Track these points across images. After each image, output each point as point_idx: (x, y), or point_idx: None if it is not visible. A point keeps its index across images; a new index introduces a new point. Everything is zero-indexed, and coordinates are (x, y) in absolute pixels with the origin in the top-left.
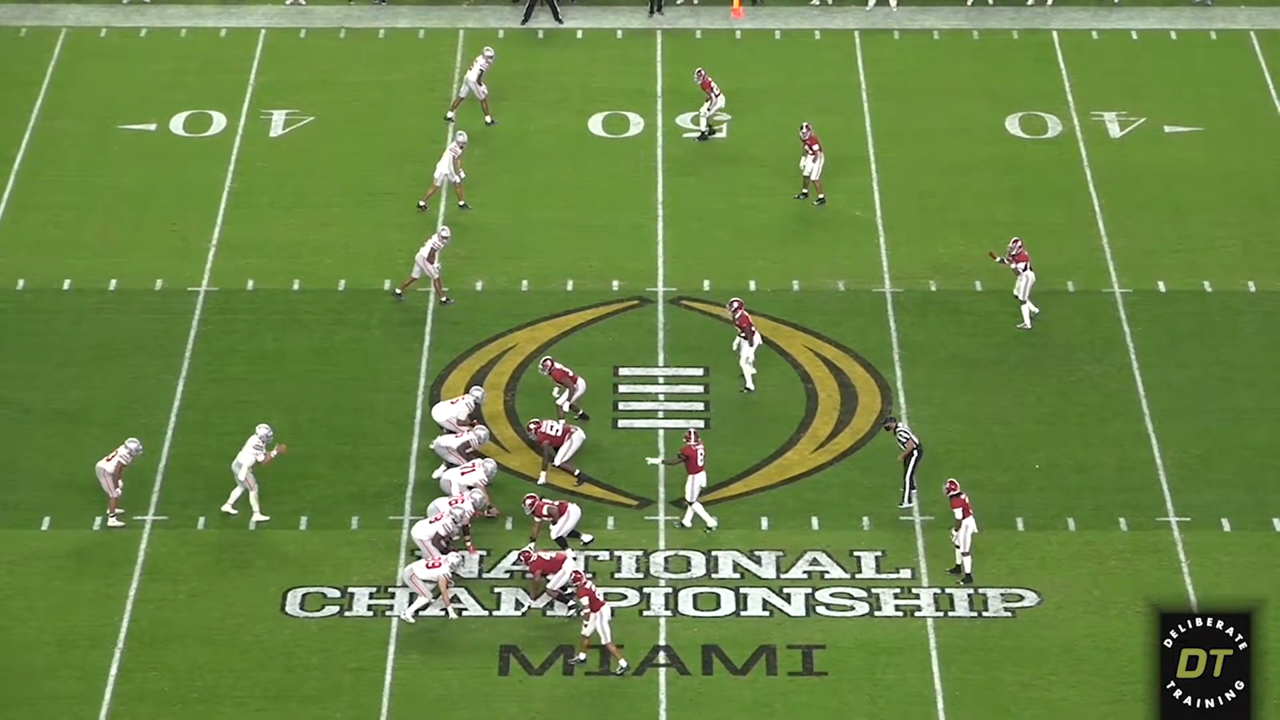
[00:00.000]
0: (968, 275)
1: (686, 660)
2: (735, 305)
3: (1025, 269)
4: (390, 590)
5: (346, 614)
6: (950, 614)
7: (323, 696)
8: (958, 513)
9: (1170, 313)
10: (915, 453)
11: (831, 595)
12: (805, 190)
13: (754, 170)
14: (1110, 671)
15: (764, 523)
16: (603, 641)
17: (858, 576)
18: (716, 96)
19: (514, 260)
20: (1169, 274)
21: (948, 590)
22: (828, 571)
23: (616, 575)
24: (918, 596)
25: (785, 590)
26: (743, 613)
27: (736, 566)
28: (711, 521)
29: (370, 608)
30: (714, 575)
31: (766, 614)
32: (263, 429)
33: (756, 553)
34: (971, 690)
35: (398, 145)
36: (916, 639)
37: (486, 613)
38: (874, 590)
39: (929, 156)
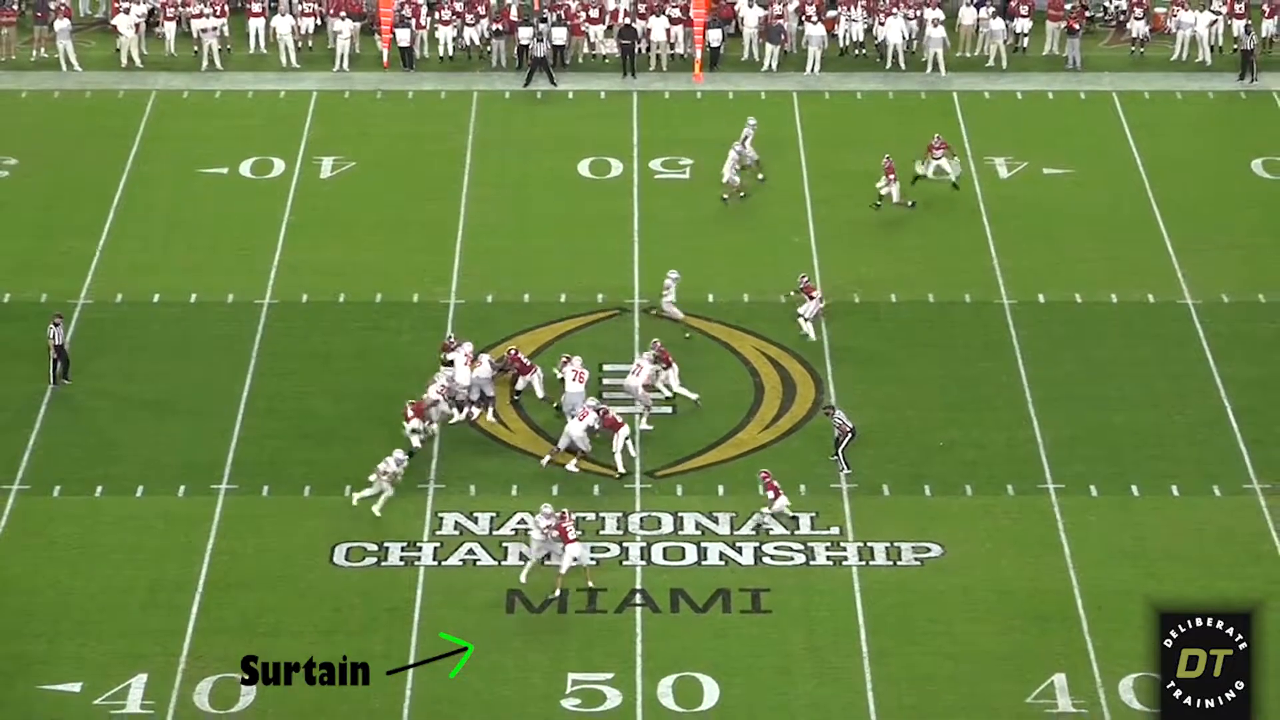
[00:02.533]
0: (885, 289)
1: (658, 601)
2: (656, 344)
3: (812, 298)
4: (418, 545)
5: (382, 564)
6: (871, 563)
7: (364, 631)
8: (770, 494)
9: (1048, 320)
10: (851, 434)
11: (775, 548)
12: (879, 202)
13: (712, 204)
14: (1000, 609)
15: (720, 490)
16: (583, 565)
17: (796, 533)
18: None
19: (518, 277)
20: (1047, 288)
21: (869, 544)
22: (772, 529)
23: (601, 532)
24: (845, 549)
25: (738, 544)
26: (703, 562)
27: (698, 525)
28: (693, 395)
29: (402, 559)
30: (680, 532)
31: (723, 563)
32: (399, 454)
33: (714, 514)
34: (889, 624)
35: (422, 185)
36: (844, 583)
37: (496, 562)
38: (809, 544)
39: (854, 193)
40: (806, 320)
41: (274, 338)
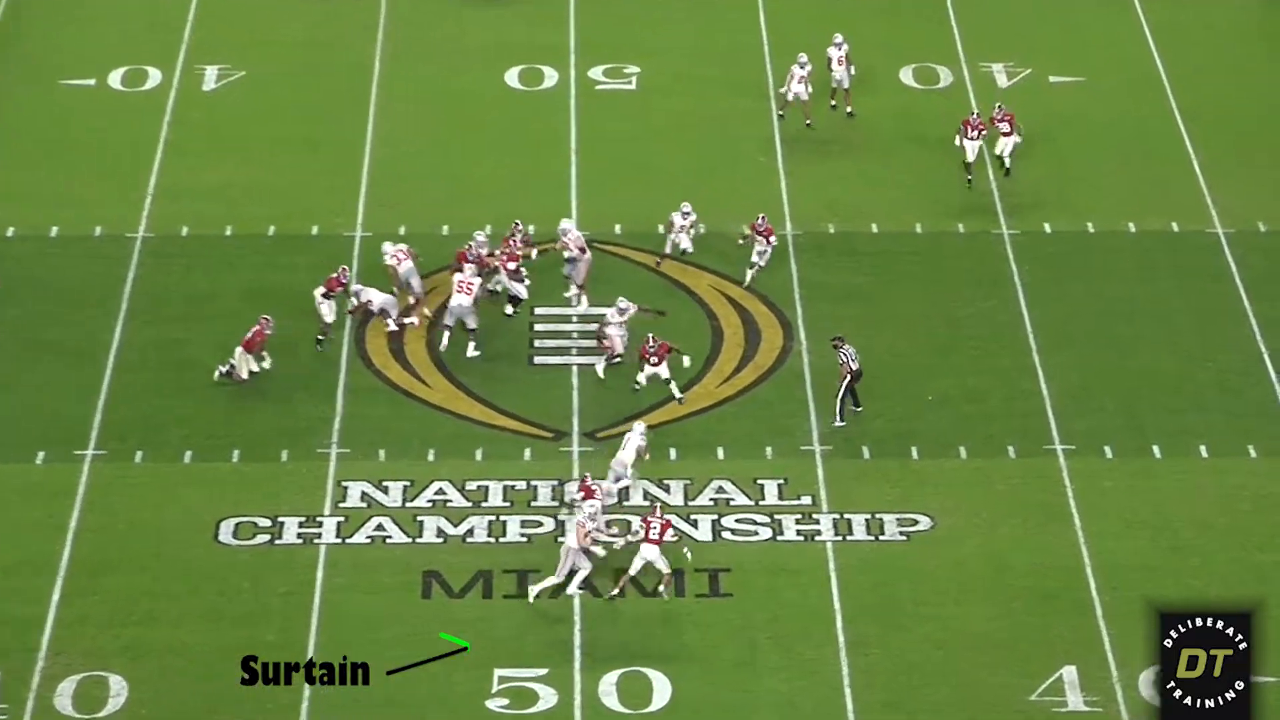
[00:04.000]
0: (864, 218)
1: (599, 584)
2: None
3: (768, 241)
4: (318, 519)
5: (276, 542)
6: (849, 538)
7: (253, 619)
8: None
9: (1055, 252)
10: (852, 376)
11: (736, 521)
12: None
13: (663, 120)
14: (997, 589)
15: (672, 453)
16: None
17: (761, 503)
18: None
19: (435, 206)
20: (1053, 216)
21: (846, 515)
22: (733, 499)
23: (533, 504)
24: (818, 522)
25: (693, 516)
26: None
27: (646, 495)
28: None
29: (300, 535)
30: (626, 503)
31: (675, 539)
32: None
33: (665, 481)
34: (868, 609)
35: (322, 100)
36: (817, 562)
37: (410, 539)
38: (776, 516)
39: (828, 107)
40: (757, 268)
41: (149, 277)
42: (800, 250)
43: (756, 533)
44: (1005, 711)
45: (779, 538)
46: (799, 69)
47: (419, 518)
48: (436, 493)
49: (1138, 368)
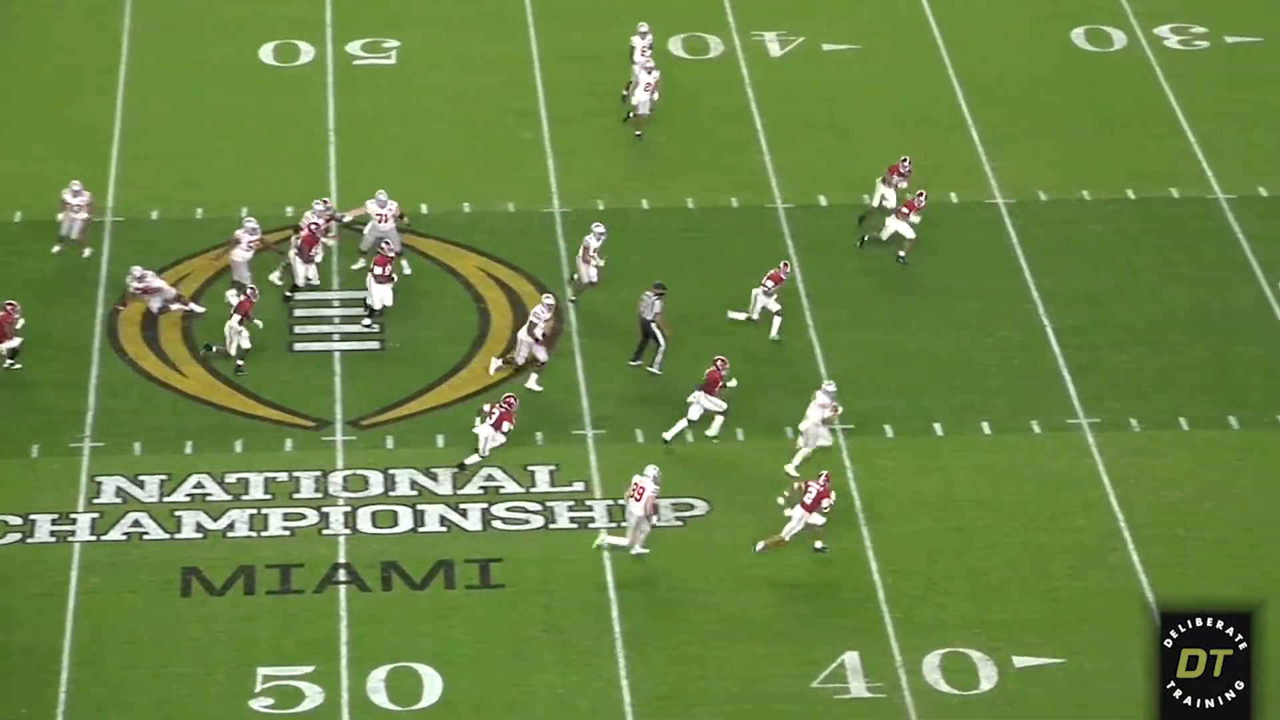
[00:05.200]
0: (635, 194)
1: (366, 577)
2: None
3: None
4: (71, 516)
5: (28, 540)
6: (624, 524)
7: (4, 622)
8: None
9: (830, 226)
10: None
11: (507, 509)
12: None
13: (424, 96)
14: (779, 576)
15: (440, 440)
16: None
17: (532, 490)
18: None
19: (188, 189)
20: (829, 188)
21: (620, 502)
22: (503, 486)
23: (295, 495)
24: (591, 509)
25: (462, 506)
26: (420, 529)
27: (413, 484)
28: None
29: (53, 534)
30: (391, 493)
31: (444, 529)
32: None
33: (433, 470)
34: (644, 598)
35: (67, 77)
36: (589, 550)
37: (168, 535)
38: (548, 503)
39: (595, 79)
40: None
41: None
42: (569, 229)
43: (528, 521)
44: (787, 700)
45: (551, 526)
46: (640, 39)
47: (177, 513)
48: (195, 486)
49: (916, 345)
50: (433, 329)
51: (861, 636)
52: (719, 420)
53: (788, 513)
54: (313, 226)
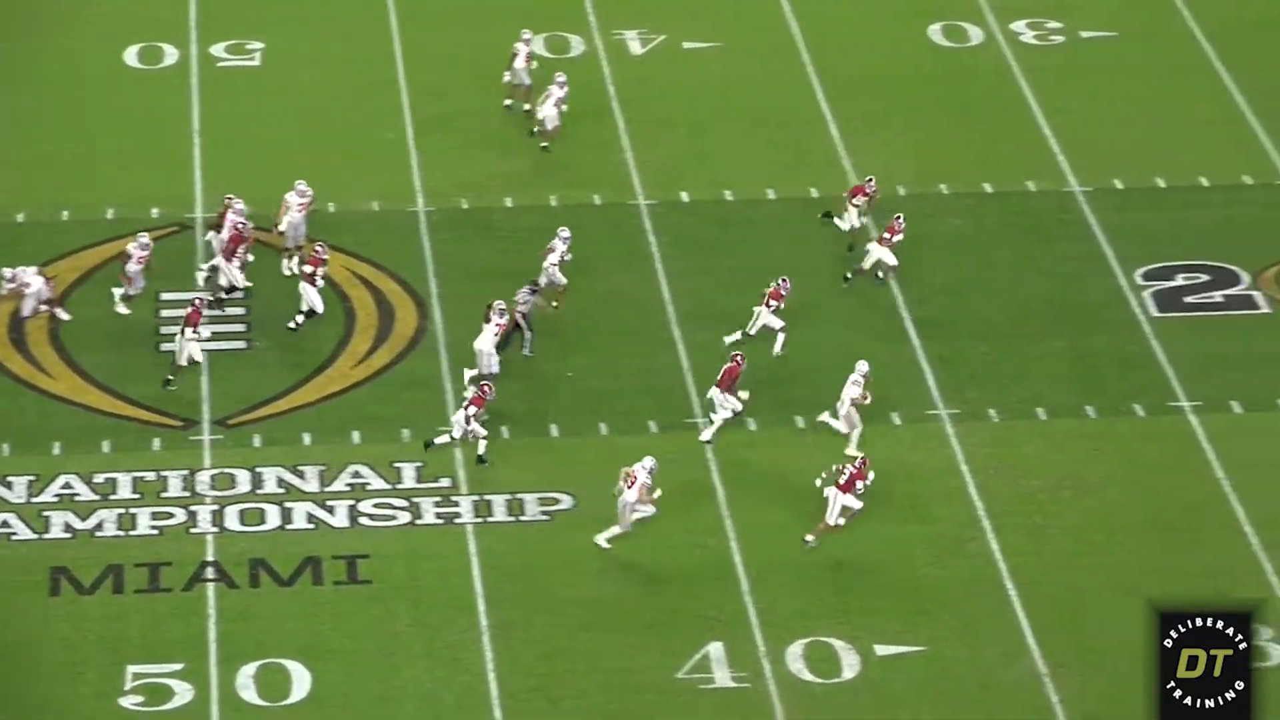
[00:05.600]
0: (499, 193)
1: (234, 574)
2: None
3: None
4: None
5: None
6: (489, 520)
7: None
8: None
9: (693, 222)
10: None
11: (374, 506)
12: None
13: (288, 96)
14: (644, 569)
15: (306, 438)
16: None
17: (399, 487)
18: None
19: (53, 190)
20: (691, 185)
21: (486, 497)
22: (369, 483)
23: (163, 495)
24: (457, 504)
25: (329, 503)
26: (288, 526)
27: (281, 482)
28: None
29: None
30: (259, 491)
31: (312, 527)
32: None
33: (300, 467)
34: (511, 593)
35: None
36: (457, 546)
37: (36, 535)
38: (415, 500)
39: (457, 78)
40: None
41: None
42: (434, 227)
43: (395, 517)
44: (653, 692)
45: (418, 522)
46: (523, 46)
47: (45, 513)
48: (63, 487)
49: (786, 337)
50: (300, 327)
51: (725, 627)
52: (727, 414)
53: (826, 492)
54: (239, 226)
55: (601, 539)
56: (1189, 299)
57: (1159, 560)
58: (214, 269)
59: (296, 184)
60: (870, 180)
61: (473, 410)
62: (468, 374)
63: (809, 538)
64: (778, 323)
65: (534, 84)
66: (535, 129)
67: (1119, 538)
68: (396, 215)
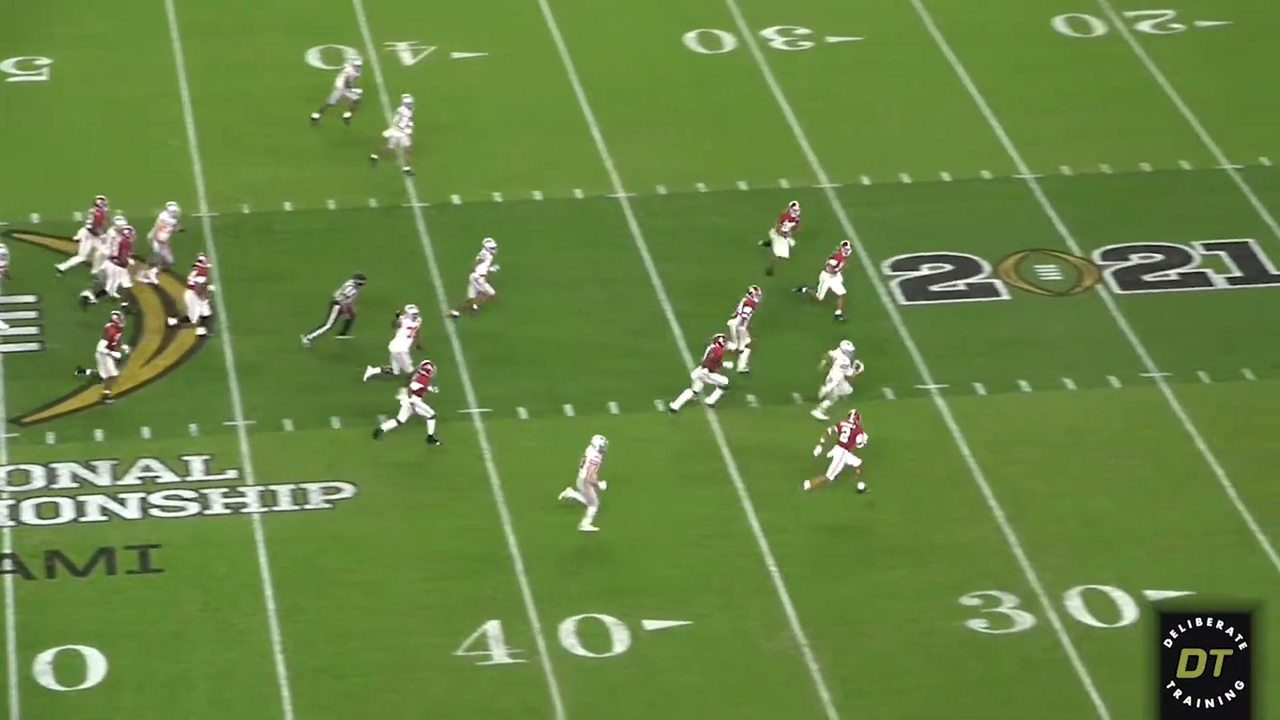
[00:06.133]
0: (278, 197)
1: (31, 566)
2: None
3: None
4: None
5: None
6: (274, 509)
7: None
8: None
9: (464, 223)
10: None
11: (164, 498)
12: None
13: (77, 109)
14: (423, 553)
15: (99, 435)
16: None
17: (188, 479)
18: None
19: None
20: (461, 188)
21: (271, 487)
22: (160, 476)
23: None
24: (244, 495)
25: (121, 495)
26: (82, 519)
27: (75, 476)
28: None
29: None
30: (53, 486)
31: (105, 519)
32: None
33: (93, 463)
34: (298, 577)
35: None
36: (244, 534)
37: None
38: (203, 491)
39: (238, 89)
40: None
41: None
42: (217, 232)
43: (184, 508)
44: (434, 670)
45: (207, 513)
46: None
47: None
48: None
49: (547, 331)
50: (94, 333)
51: (501, 606)
52: (718, 393)
53: (829, 455)
54: (126, 232)
55: (570, 494)
56: (934, 288)
57: (911, 535)
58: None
59: (168, 205)
60: (794, 205)
61: (416, 387)
62: (368, 372)
63: (806, 484)
64: (746, 338)
65: (349, 101)
66: (376, 154)
67: (873, 514)
68: (183, 221)
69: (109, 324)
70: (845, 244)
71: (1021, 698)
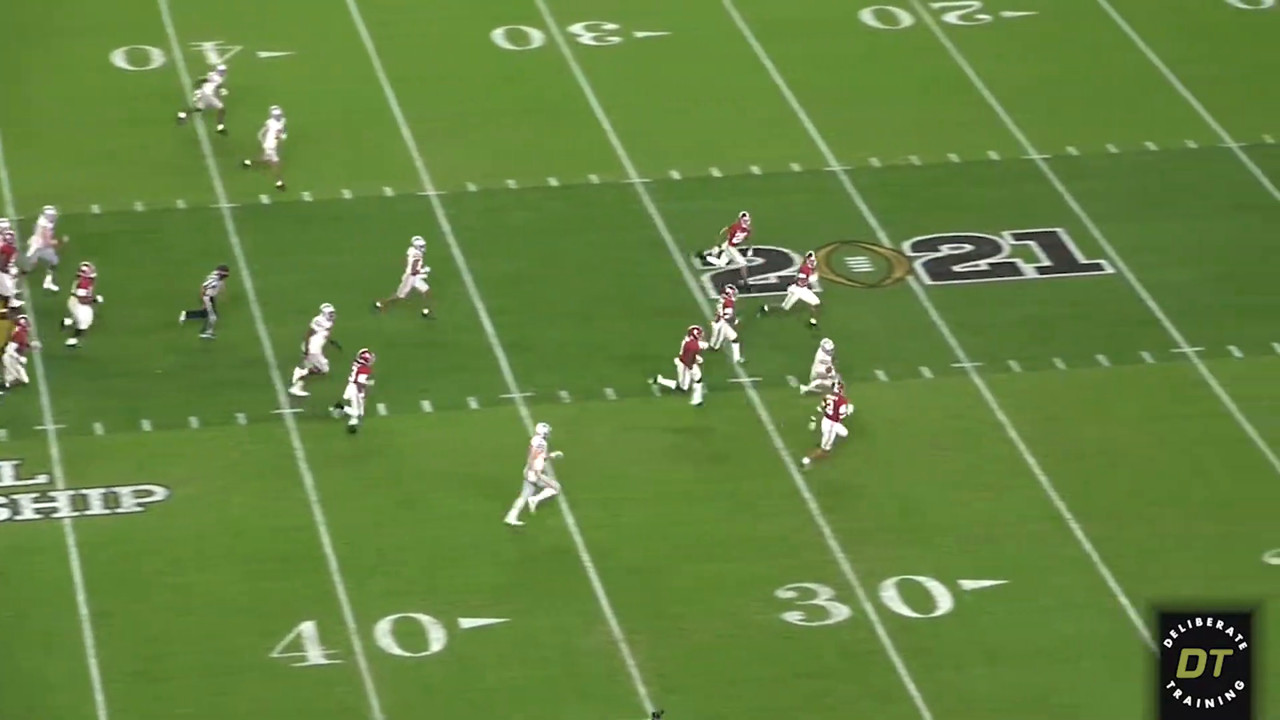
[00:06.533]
0: (86, 199)
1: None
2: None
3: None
4: None
5: None
6: (86, 513)
7: None
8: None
9: (274, 223)
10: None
11: None
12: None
13: None
14: (237, 553)
15: None
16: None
17: None
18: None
19: None
20: (269, 188)
21: (82, 491)
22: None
23: None
24: (55, 499)
25: None
26: None
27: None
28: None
29: None
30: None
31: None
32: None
33: None
34: (110, 581)
35: None
36: (56, 538)
37: None
38: (13, 496)
39: (40, 92)
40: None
41: None
42: (24, 234)
43: None
44: (249, 670)
45: (17, 518)
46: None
47: None
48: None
49: (357, 328)
50: None
51: (317, 607)
52: (699, 389)
53: (823, 426)
54: (8, 236)
55: (532, 503)
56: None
57: (727, 528)
58: None
59: (45, 209)
60: (744, 215)
61: (362, 379)
62: (296, 373)
63: (805, 460)
64: (731, 333)
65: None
66: (249, 160)
67: (688, 508)
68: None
69: (16, 329)
70: (810, 255)
71: (839, 690)
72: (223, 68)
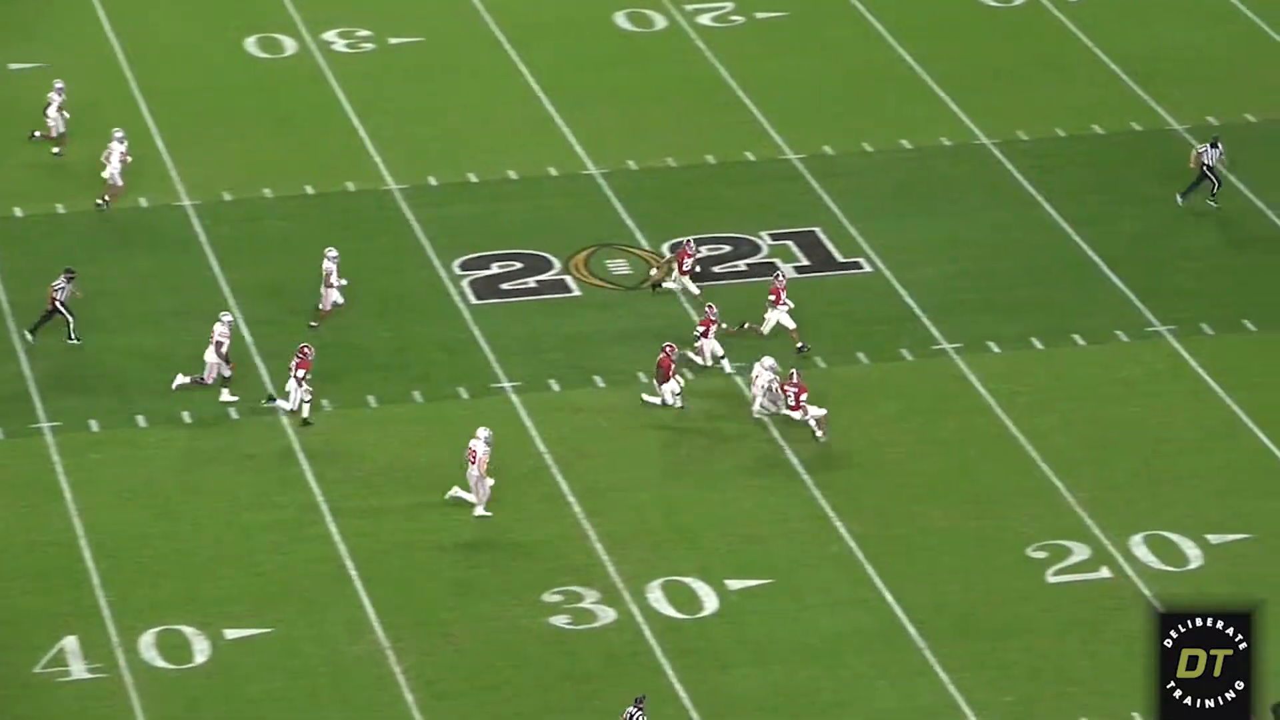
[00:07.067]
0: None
1: None
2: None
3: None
4: None
5: None
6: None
7: None
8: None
9: (25, 236)
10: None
11: None
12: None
13: None
14: (41, 570)
15: None
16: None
17: None
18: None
19: None
20: (22, 200)
21: None
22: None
23: None
24: None
25: None
26: None
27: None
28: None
29: None
30: None
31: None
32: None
33: None
34: None
35: None
36: None
37: None
38: None
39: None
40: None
41: None
42: None
43: None
44: (12, 687)
45: None
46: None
47: None
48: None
49: (119, 343)
50: None
51: (78, 621)
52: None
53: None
54: None
55: (461, 496)
56: (505, 285)
57: (491, 533)
58: None
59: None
60: (689, 241)
61: (301, 374)
62: (177, 380)
63: (820, 435)
64: (719, 349)
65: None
66: (101, 199)
67: (453, 514)
68: None
69: None
70: (779, 275)
71: (606, 693)
72: (60, 84)
